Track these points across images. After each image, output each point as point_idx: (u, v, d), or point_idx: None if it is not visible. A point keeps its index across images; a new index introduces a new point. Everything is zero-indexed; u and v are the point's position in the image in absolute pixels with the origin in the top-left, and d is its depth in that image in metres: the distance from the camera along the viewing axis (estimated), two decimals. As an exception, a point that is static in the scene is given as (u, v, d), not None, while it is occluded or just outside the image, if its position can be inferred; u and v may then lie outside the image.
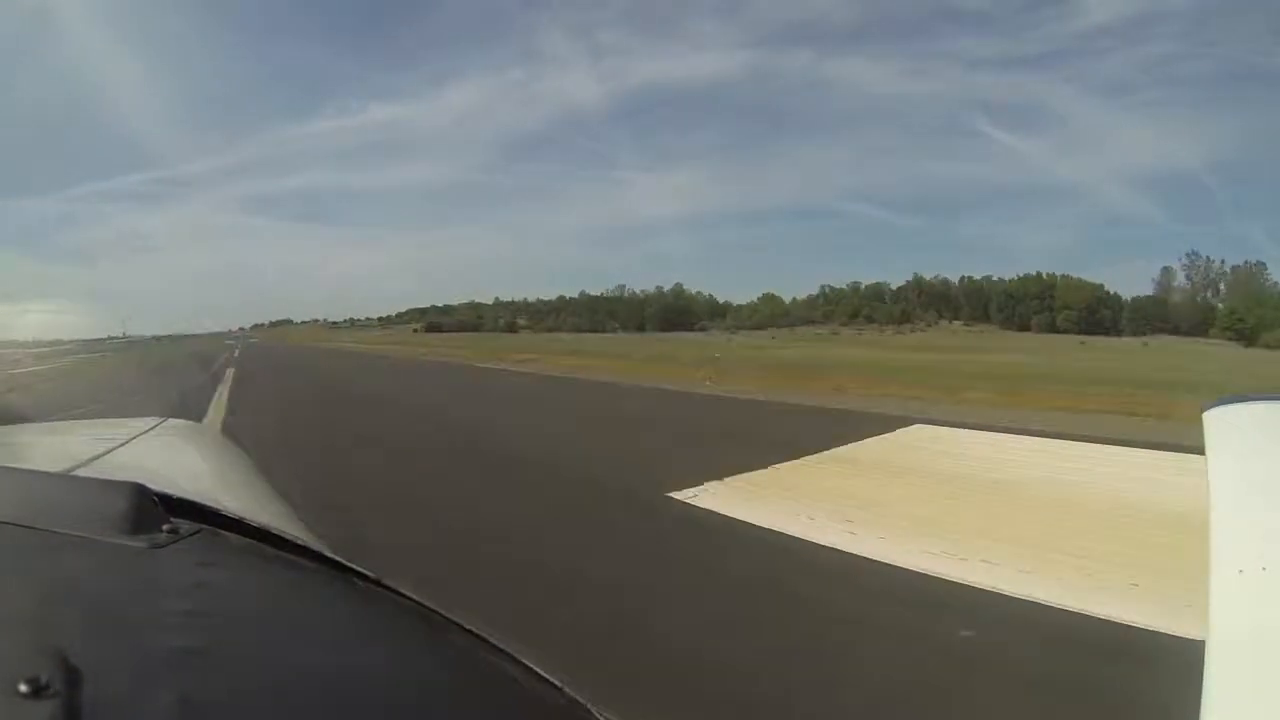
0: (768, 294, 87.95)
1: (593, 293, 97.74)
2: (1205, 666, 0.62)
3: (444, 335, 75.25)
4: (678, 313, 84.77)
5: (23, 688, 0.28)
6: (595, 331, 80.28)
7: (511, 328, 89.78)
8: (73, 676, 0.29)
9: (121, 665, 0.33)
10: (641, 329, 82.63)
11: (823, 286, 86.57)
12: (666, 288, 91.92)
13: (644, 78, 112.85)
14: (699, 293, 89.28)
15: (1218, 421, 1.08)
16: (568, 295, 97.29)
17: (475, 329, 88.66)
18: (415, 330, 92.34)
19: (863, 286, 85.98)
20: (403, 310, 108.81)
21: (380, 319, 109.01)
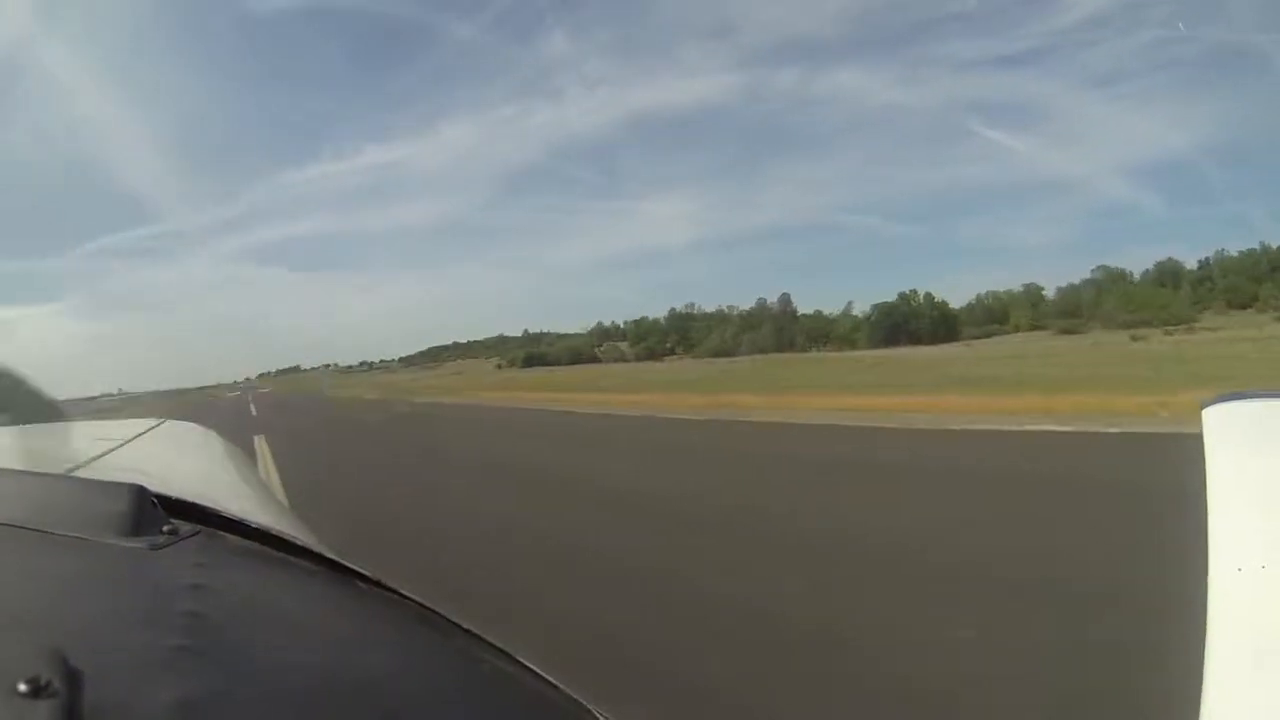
0: (990, 293, 64.07)
1: (608, 317, 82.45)
2: (1205, 666, 0.62)
3: (567, 372, 53.78)
4: (904, 319, 63.31)
5: (23, 688, 0.28)
6: (777, 352, 58.52)
7: (654, 355, 71.14)
8: (73, 677, 0.29)
9: (121, 665, 0.33)
10: (803, 347, 62.71)
11: (1098, 268, 57.59)
12: (771, 300, 71.91)
13: (640, 105, 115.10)
14: (913, 292, 65.96)
15: (1216, 419, 1.08)
16: (647, 316, 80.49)
17: (592, 360, 70.99)
18: (499, 366, 75.01)
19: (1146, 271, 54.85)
20: (422, 349, 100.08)
21: (401, 359, 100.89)
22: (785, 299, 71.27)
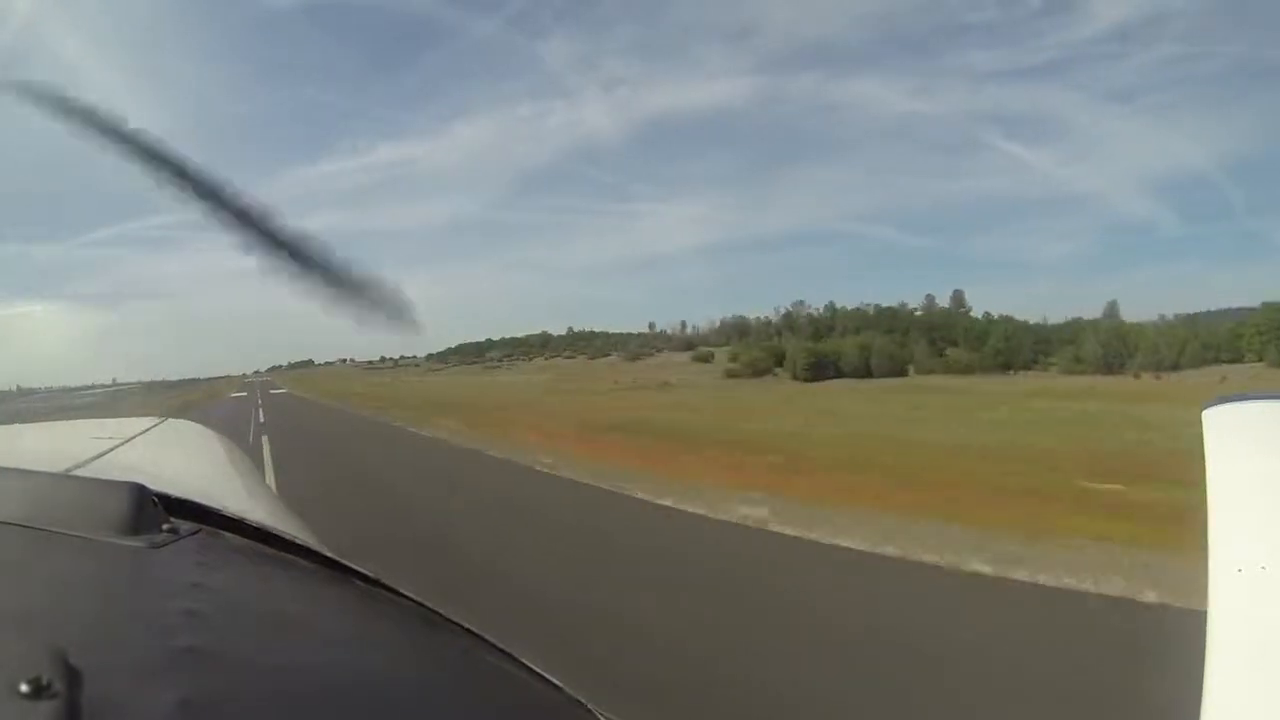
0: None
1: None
2: (1205, 666, 0.62)
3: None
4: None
5: (24, 688, 0.28)
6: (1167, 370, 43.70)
7: (1013, 365, 51.74)
8: (73, 676, 0.29)
9: (122, 665, 0.33)
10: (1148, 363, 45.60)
11: None
12: (940, 300, 54.87)
13: (656, 109, 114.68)
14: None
15: (1216, 420, 1.07)
16: (802, 307, 60.29)
17: (907, 371, 48.41)
18: (732, 374, 48.63)
19: None
20: (452, 346, 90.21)
21: (430, 356, 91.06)
22: (959, 297, 55.12)
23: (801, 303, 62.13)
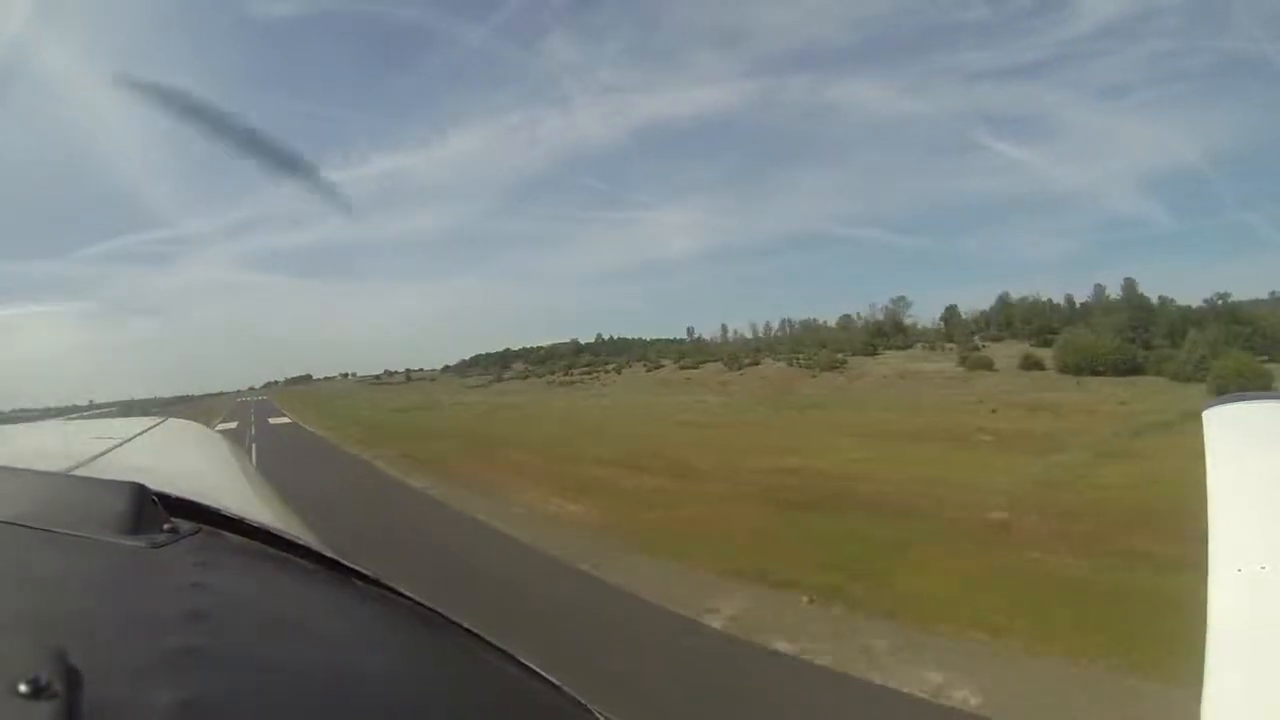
0: None
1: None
2: (1205, 664, 0.62)
3: None
4: None
5: (23, 688, 0.28)
6: None
7: None
8: (73, 676, 0.30)
9: (121, 665, 0.34)
10: None
11: None
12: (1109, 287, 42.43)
13: (657, 115, 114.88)
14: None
15: (1217, 420, 1.06)
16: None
17: None
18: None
19: None
20: (467, 357, 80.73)
21: (445, 368, 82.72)
22: (1131, 285, 42.68)
23: (902, 298, 49.15)
